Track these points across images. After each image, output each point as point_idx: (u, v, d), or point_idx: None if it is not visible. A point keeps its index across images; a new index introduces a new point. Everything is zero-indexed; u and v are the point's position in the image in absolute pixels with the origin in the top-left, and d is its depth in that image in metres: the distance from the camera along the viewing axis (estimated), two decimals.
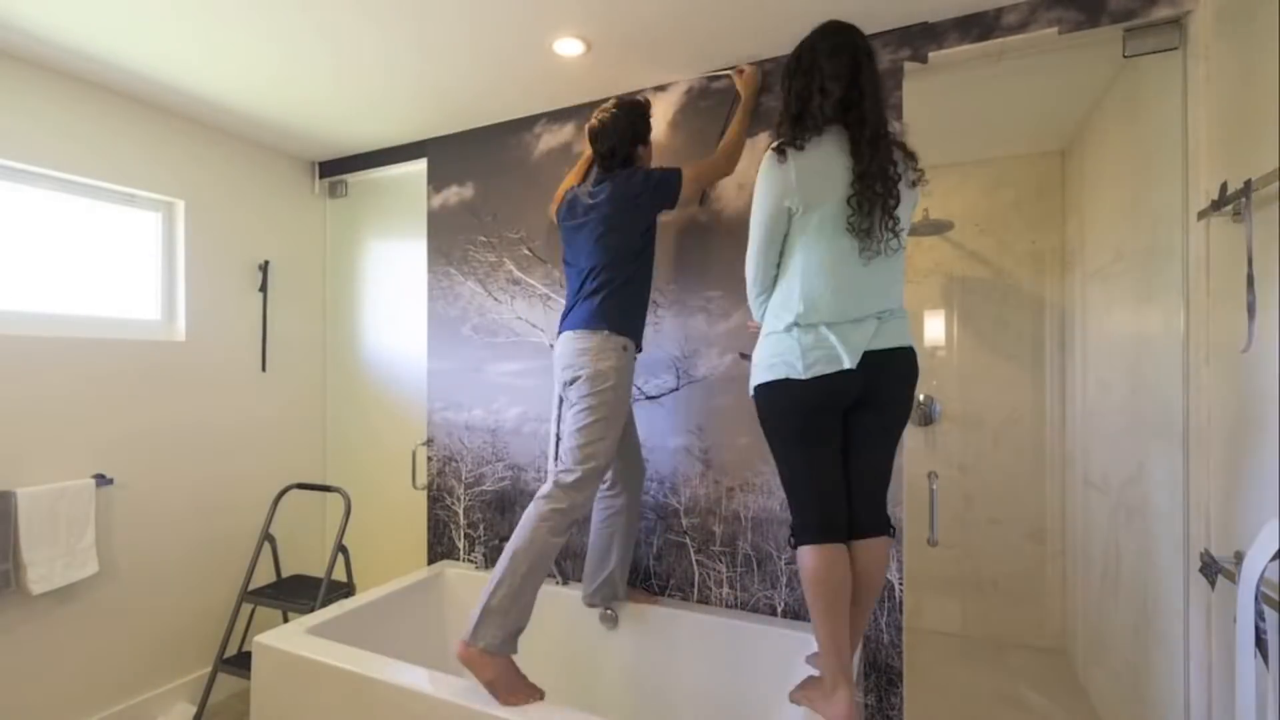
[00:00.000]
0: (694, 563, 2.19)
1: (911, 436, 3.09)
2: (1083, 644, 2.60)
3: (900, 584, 1.91)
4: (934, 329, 3.13)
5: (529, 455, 2.54)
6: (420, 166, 2.82)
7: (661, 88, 2.26)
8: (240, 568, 2.74)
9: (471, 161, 2.67)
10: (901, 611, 1.91)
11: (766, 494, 2.08)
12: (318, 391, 3.10)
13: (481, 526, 2.64)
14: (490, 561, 2.60)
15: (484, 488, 2.63)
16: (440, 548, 2.73)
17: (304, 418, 3.03)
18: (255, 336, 2.82)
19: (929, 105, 2.28)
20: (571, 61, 2.12)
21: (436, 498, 2.74)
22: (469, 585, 2.54)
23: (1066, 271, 2.85)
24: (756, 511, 2.10)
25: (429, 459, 2.76)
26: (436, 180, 2.75)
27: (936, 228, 2.91)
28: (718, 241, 2.17)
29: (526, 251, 2.55)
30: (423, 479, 2.78)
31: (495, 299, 2.61)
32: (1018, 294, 2.97)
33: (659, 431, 2.24)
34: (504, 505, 2.59)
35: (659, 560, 2.24)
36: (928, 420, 3.10)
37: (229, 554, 2.70)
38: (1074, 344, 2.75)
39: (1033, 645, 2.90)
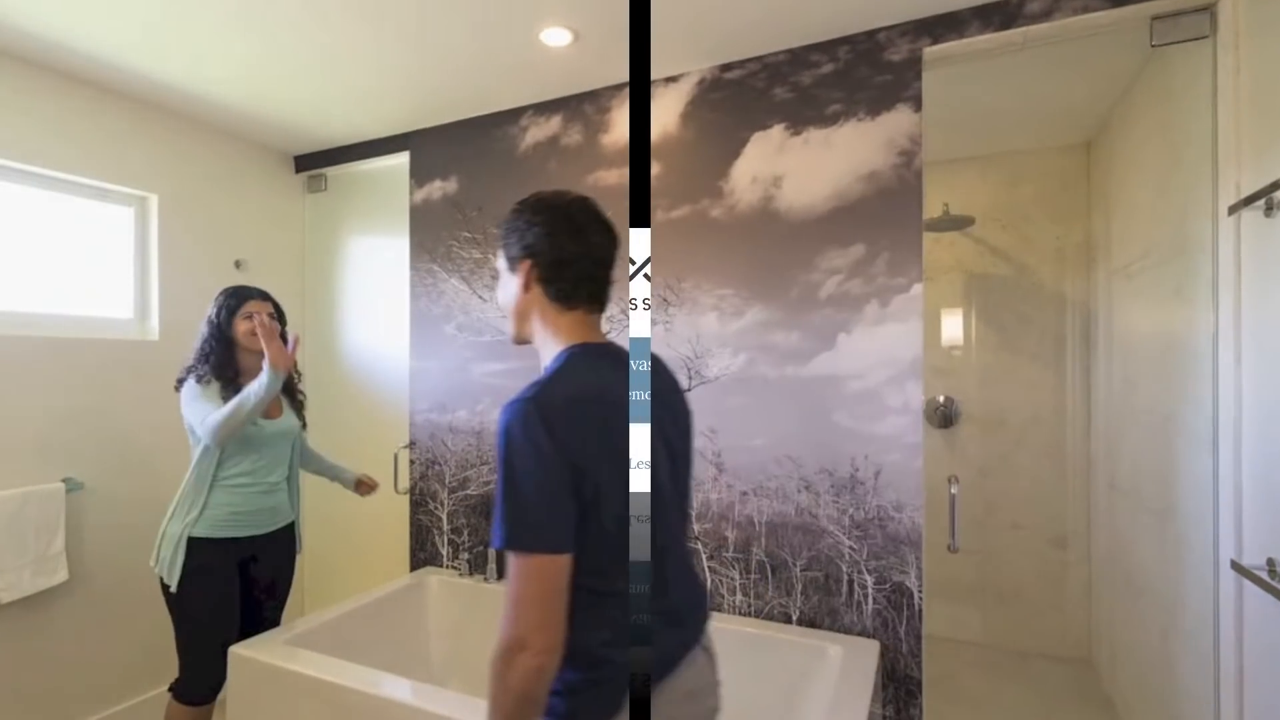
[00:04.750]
0: (706, 569, 2.20)
1: (931, 438, 3.09)
2: (1108, 653, 2.60)
3: (919, 591, 1.93)
4: (952, 328, 3.13)
5: None
6: (402, 160, 2.81)
7: (673, 79, 2.27)
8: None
9: (455, 155, 2.68)
10: (921, 620, 1.93)
11: (781, 499, 2.10)
12: None
13: (466, 532, 2.64)
14: (474, 568, 2.59)
15: (468, 492, 2.64)
16: (423, 554, 2.74)
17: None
18: None
19: (949, 97, 2.29)
20: (559, 52, 2.12)
21: (419, 503, 2.75)
22: (452, 593, 2.54)
23: (1091, 268, 2.85)
24: (771, 516, 2.11)
25: (411, 462, 2.77)
26: (419, 174, 2.76)
27: (956, 223, 2.91)
28: (731, 237, 2.19)
29: None
30: (405, 483, 2.77)
31: (480, 297, 2.62)
32: (1040, 291, 2.97)
33: None
34: (489, 510, 2.59)
35: None
36: (947, 422, 3.11)
37: None
38: (1098, 342, 2.76)
39: (1056, 655, 2.90)
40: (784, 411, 2.10)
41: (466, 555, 2.61)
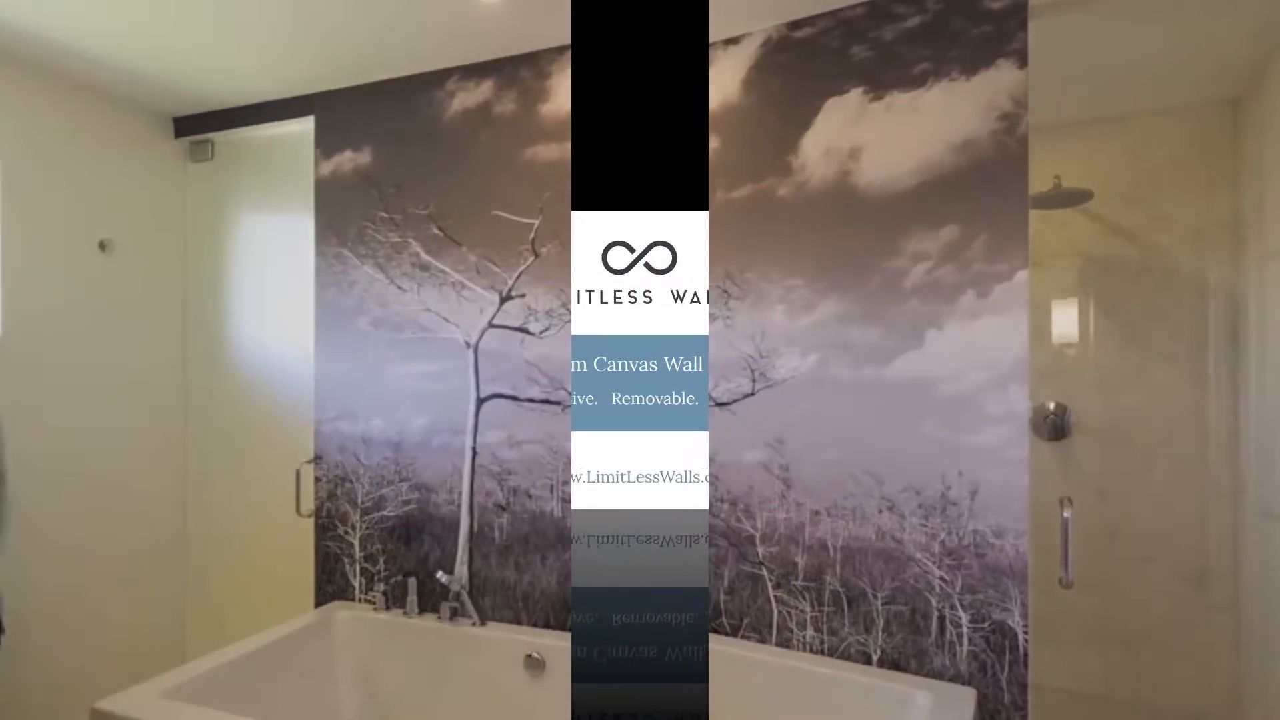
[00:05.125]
0: (771, 599, 2.17)
1: (1039, 452, 2.97)
2: (1261, 714, 2.45)
3: (1025, 633, 1.85)
4: (1065, 322, 3.01)
5: (440, 474, 2.54)
6: (306, 126, 2.75)
7: (733, 40, 2.24)
8: (72, 608, 2.58)
9: (369, 122, 2.65)
10: (1026, 667, 1.85)
11: (860, 519, 2.05)
12: (176, 399, 3.00)
13: (382, 559, 2.62)
14: (392, 601, 2.54)
15: (385, 513, 2.62)
16: (331, 586, 2.70)
17: (159, 432, 2.92)
18: (96, 332, 2.65)
19: (1061, 49, 2.19)
20: (491, 7, 2.10)
21: (326, 526, 2.71)
22: (366, 630, 2.50)
23: (1239, 249, 2.69)
24: (848, 540, 2.06)
25: (316, 480, 2.72)
26: (326, 143, 2.72)
27: (1070, 198, 2.79)
28: (801, 219, 2.14)
29: (437, 231, 2.54)
30: (309, 504, 2.70)
31: (399, 287, 2.60)
32: (1175, 278, 2.82)
33: (730, 444, 2.22)
34: (409, 534, 2.58)
35: (730, 595, 2.23)
36: (1059, 433, 2.98)
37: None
38: (1249, 339, 2.60)
39: (1195, 713, 2.75)
40: (862, 419, 2.05)
41: (383, 586, 2.57)
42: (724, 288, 2.24)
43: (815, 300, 2.12)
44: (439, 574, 2.45)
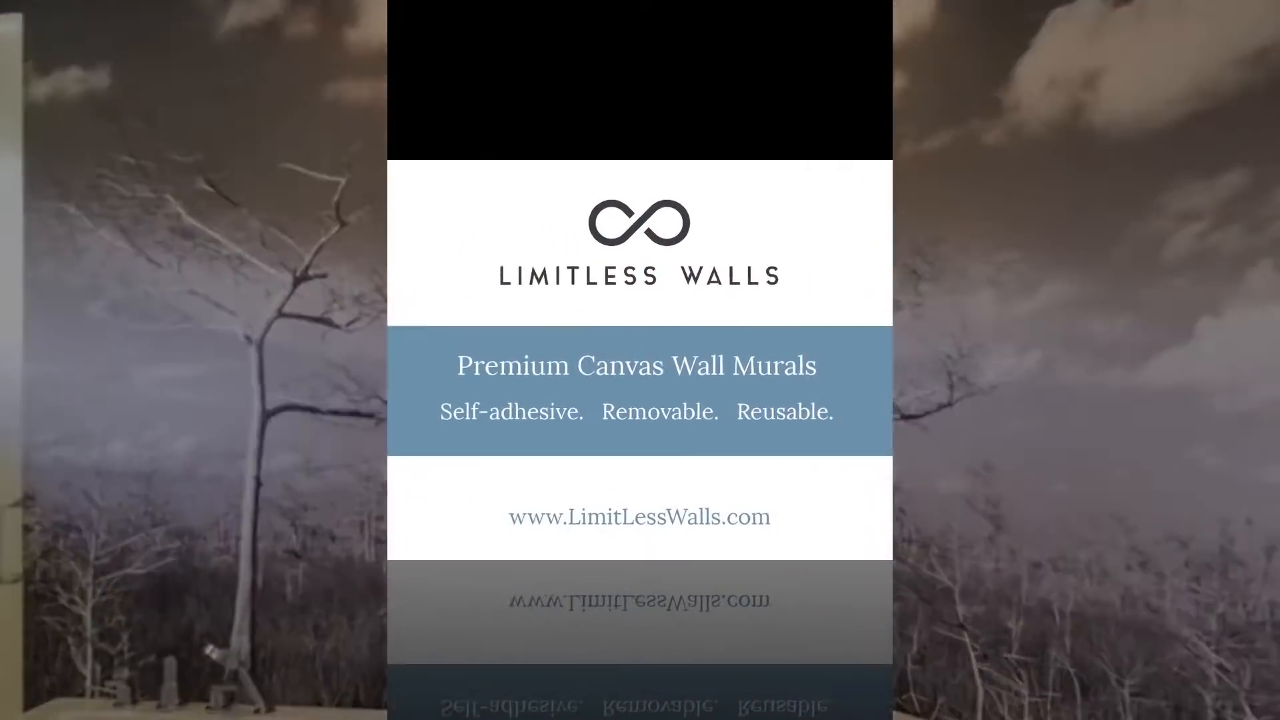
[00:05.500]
0: (975, 674, 2.05)
1: None
2: None
3: None
4: None
5: (209, 514, 2.32)
6: (11, 27, 2.44)
7: None
8: None
9: (108, 30, 2.39)
10: None
11: (1099, 577, 1.90)
12: None
13: (125, 636, 2.34)
14: (142, 692, 2.28)
15: (130, 571, 2.36)
16: (49, 678, 2.40)
17: None
18: None
19: None
20: None
21: (41, 595, 2.41)
22: None
23: None
24: (1080, 604, 1.92)
25: (27, 530, 2.42)
26: (42, 54, 2.42)
27: None
28: (1016, 172, 2.03)
29: (205, 186, 2.31)
30: (15, 565, 2.38)
31: (151, 260, 2.35)
32: None
33: (921, 469, 2.10)
34: (165, 597, 2.34)
35: (921, 664, 2.13)
36: None
37: None
38: None
39: None
40: (1103, 441, 1.92)
41: (128, 672, 2.29)
42: (912, 266, 2.15)
43: (1037, 279, 2.01)
44: (208, 648, 2.24)
